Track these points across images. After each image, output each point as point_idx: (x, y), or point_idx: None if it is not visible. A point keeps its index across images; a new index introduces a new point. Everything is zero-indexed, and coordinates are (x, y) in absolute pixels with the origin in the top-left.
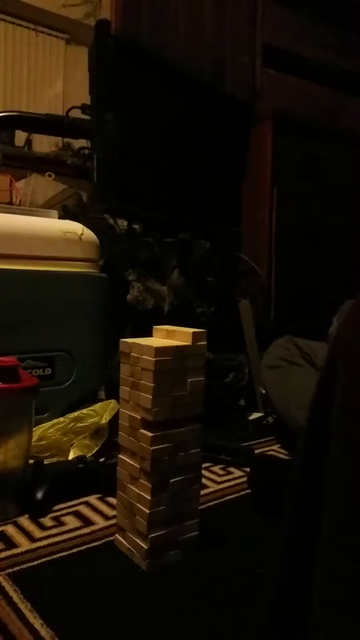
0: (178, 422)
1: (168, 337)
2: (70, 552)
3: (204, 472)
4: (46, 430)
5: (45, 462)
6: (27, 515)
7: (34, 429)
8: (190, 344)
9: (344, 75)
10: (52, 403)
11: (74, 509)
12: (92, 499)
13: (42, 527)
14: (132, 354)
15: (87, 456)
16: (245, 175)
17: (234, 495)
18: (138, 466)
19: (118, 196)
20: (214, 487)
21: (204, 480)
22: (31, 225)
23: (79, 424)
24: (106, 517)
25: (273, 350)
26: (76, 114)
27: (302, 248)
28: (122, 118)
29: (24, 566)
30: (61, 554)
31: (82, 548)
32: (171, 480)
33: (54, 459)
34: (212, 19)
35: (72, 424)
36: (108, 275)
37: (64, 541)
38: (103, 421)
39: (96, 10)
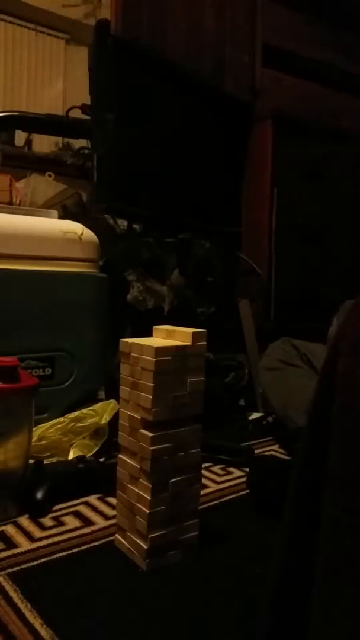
0: (178, 422)
1: (168, 337)
2: (70, 552)
3: (204, 472)
4: (46, 430)
5: (45, 462)
6: (27, 515)
7: (34, 429)
8: (190, 344)
9: (344, 75)
10: (52, 403)
11: (74, 509)
12: (92, 499)
13: (42, 527)
14: (132, 354)
15: (87, 456)
16: (245, 175)
17: (233, 495)
18: (138, 466)
19: (118, 196)
20: (214, 487)
21: (204, 480)
22: (31, 225)
23: (79, 424)
24: (106, 517)
25: (271, 352)
26: (76, 114)
27: (302, 248)
28: (122, 118)
29: (24, 566)
30: (61, 554)
31: (82, 548)
32: (171, 480)
33: (54, 459)
34: (212, 19)
35: (72, 424)
36: (108, 275)
37: (64, 541)
38: (103, 421)
39: (96, 10)
